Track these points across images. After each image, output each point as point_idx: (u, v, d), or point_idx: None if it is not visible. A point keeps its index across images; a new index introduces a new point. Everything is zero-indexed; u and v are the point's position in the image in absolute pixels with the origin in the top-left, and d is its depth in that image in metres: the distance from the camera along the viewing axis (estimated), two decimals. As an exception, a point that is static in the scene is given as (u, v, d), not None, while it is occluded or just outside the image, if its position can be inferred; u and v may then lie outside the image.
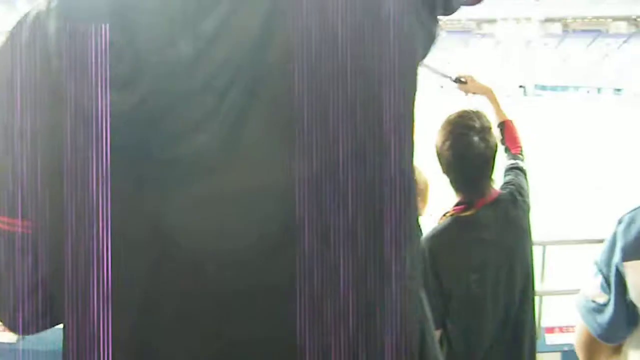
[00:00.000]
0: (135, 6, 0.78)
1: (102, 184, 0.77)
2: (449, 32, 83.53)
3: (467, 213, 2.54)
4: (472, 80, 3.05)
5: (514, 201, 2.60)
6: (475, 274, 2.46)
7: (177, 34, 0.77)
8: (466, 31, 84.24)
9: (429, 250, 2.53)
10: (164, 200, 0.78)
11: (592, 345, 1.46)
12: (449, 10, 1.07)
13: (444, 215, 2.62)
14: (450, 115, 2.53)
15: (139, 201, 0.78)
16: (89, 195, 0.77)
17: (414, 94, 0.93)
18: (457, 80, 3.03)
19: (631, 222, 1.27)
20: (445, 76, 3.02)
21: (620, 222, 1.30)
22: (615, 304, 1.31)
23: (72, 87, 0.78)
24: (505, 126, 2.92)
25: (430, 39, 0.99)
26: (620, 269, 1.27)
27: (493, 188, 2.60)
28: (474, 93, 3.04)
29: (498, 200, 2.58)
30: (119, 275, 0.78)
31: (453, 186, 2.59)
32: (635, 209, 1.28)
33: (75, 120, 0.78)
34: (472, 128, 2.44)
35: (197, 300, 0.79)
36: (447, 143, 2.45)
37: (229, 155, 0.78)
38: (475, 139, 2.42)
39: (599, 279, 1.33)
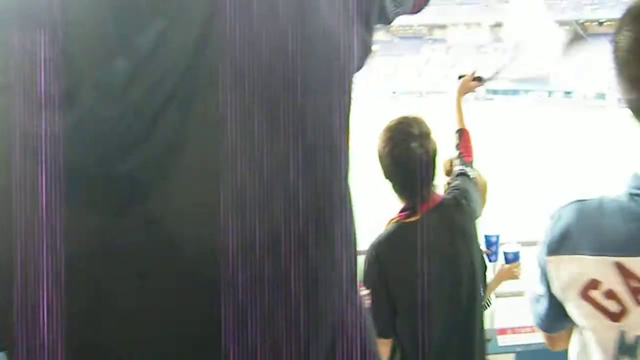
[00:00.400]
0: (69, 22, 0.76)
1: (38, 205, 0.75)
2: (401, 37, 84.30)
3: (411, 219, 2.55)
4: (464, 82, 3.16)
5: (458, 205, 2.61)
6: (420, 280, 2.45)
7: (113, 50, 0.75)
8: (418, 37, 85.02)
9: (374, 257, 2.54)
10: (104, 219, 0.77)
11: (549, 336, 1.48)
12: (385, 21, 1.08)
13: (389, 222, 2.63)
14: (390, 122, 2.55)
15: (79, 221, 0.76)
16: (29, 216, 0.75)
17: (350, 106, 0.93)
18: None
19: (558, 218, 1.29)
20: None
21: (550, 217, 1.32)
22: (547, 296, 1.33)
23: (6, 106, 0.75)
24: (462, 133, 2.99)
25: (365, 50, 1.00)
26: (544, 263, 1.29)
27: (436, 193, 2.61)
28: (464, 92, 3.13)
29: (442, 205, 2.59)
30: (60, 295, 0.76)
31: (395, 192, 2.60)
32: (564, 206, 1.30)
33: (13, 141, 0.75)
34: (411, 134, 2.46)
35: (138, 320, 0.78)
36: (386, 149, 2.48)
37: (168, 173, 0.77)
38: (414, 144, 2.44)
39: (539, 270, 1.35)
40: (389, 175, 2.53)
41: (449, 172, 3.25)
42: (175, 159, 0.76)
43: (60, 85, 0.74)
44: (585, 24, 69.69)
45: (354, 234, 0.96)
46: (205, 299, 0.79)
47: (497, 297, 4.19)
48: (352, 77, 0.94)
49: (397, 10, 1.11)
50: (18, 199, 0.75)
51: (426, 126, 2.52)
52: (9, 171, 0.75)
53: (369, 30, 1.00)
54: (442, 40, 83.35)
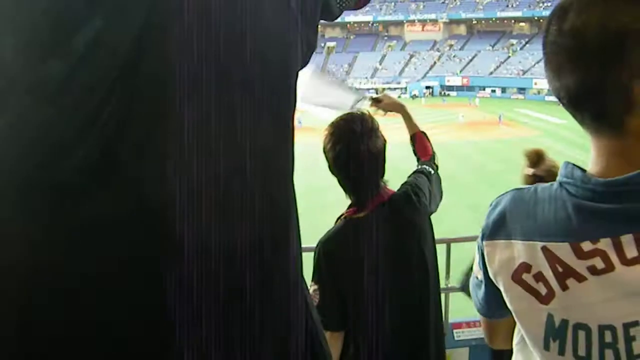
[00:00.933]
0: (1, 23, 0.74)
1: None
2: (357, 34, 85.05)
3: (360, 215, 2.55)
4: (386, 97, 3.13)
5: (408, 200, 2.61)
6: (370, 275, 2.45)
7: (47, 50, 0.73)
8: (373, 34, 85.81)
9: (323, 254, 2.54)
10: (37, 226, 0.74)
11: (489, 324, 1.51)
12: (329, 17, 1.09)
13: (338, 218, 2.63)
14: (336, 119, 2.56)
15: (16, 226, 0.73)
16: None
17: (294, 105, 0.93)
18: (373, 99, 3.10)
19: (496, 205, 1.33)
20: (360, 98, 3.07)
21: (490, 205, 1.37)
22: (485, 281, 1.36)
23: None
24: (415, 137, 3.02)
25: (309, 49, 1.00)
26: (482, 248, 1.33)
27: (385, 189, 2.61)
28: (389, 110, 3.09)
29: (391, 201, 2.59)
30: None
31: (342, 187, 2.60)
32: (503, 194, 1.34)
33: None
34: (354, 131, 2.46)
35: (74, 332, 0.75)
36: (329, 146, 2.49)
37: (108, 173, 0.74)
38: (356, 142, 2.45)
39: (477, 256, 1.38)
40: (334, 172, 2.54)
41: (534, 163, 3.24)
42: (113, 162, 0.74)
43: None
44: (541, 21, 71.09)
45: (299, 233, 0.96)
46: (150, 305, 0.77)
47: (452, 292, 4.21)
48: (296, 75, 0.95)
49: (341, 6, 1.12)
50: None
51: (371, 123, 2.52)
52: None
53: (312, 28, 1.00)
54: (398, 37, 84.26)
